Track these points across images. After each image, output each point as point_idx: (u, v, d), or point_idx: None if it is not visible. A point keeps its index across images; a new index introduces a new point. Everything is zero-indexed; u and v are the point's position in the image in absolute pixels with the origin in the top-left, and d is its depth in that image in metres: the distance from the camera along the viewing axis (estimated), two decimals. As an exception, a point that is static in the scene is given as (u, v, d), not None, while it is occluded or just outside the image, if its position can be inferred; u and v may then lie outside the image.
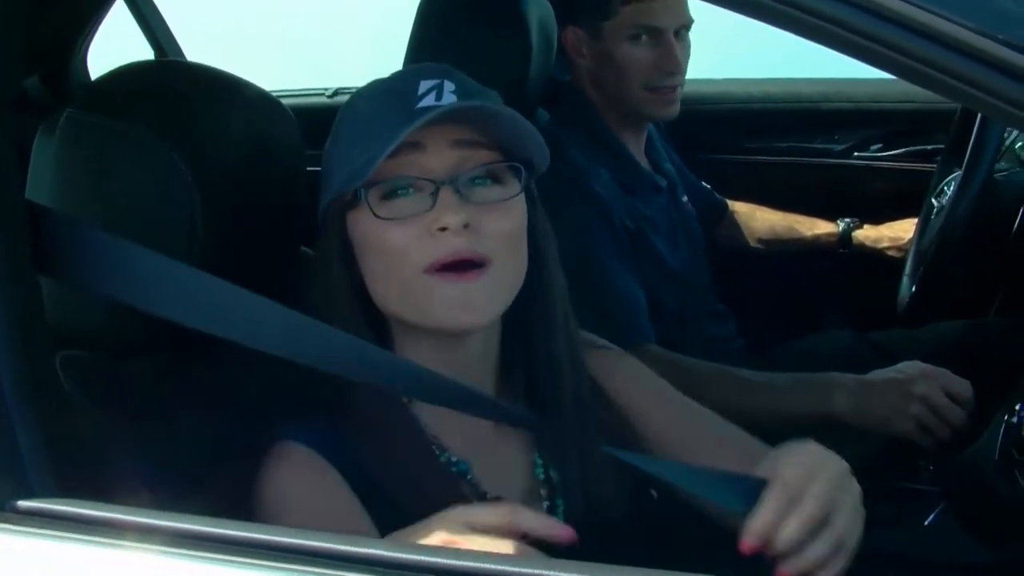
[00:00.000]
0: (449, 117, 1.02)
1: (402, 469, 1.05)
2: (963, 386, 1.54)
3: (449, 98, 1.04)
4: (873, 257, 2.15)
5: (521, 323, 1.12)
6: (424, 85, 1.04)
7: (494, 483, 1.09)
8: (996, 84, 0.84)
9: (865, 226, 2.17)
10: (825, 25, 0.85)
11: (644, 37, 1.82)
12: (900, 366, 1.58)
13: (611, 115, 1.89)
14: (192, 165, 1.06)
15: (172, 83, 1.15)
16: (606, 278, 1.73)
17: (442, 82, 1.05)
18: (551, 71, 2.02)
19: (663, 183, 1.95)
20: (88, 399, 1.06)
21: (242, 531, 0.85)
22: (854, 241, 2.16)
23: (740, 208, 2.25)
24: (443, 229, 1.01)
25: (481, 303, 1.03)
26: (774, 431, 1.60)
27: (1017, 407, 1.34)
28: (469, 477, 1.09)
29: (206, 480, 1.06)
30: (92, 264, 0.98)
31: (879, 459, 1.64)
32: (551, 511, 1.12)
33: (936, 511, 1.52)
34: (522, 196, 1.08)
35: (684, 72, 1.87)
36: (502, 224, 1.05)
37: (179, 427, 1.10)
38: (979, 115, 1.65)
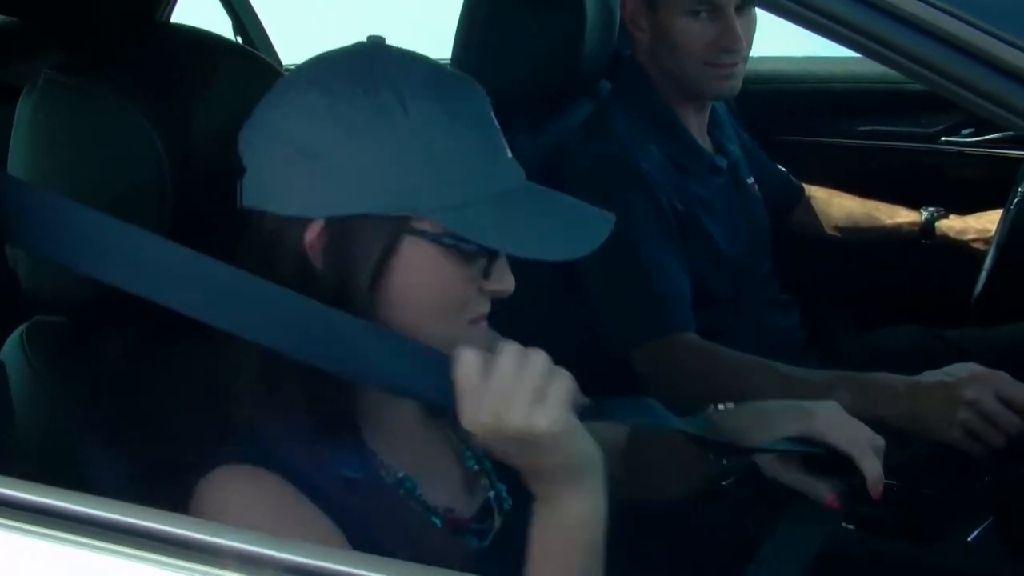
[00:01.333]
0: None
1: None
2: (1020, 391, 1.42)
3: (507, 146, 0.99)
4: (957, 250, 2.01)
5: None
6: (493, 116, 0.99)
7: (439, 488, 1.05)
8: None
9: (951, 216, 2.03)
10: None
11: (703, 13, 1.72)
12: (950, 368, 1.47)
13: (670, 90, 1.81)
14: (163, 130, 1.03)
15: (152, 46, 1.12)
16: (646, 261, 1.66)
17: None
18: (614, 44, 1.96)
19: (723, 164, 1.86)
20: (57, 369, 1.04)
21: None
22: (937, 232, 2.03)
23: (817, 193, 2.14)
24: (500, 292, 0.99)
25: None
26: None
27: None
28: (418, 493, 1.03)
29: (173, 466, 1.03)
30: (51, 231, 0.94)
31: (927, 468, 1.53)
32: (497, 499, 1.08)
33: (981, 527, 1.41)
34: None
35: (747, 48, 1.76)
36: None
37: (149, 408, 1.07)
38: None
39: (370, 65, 0.95)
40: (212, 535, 0.77)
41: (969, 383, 1.43)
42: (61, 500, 0.80)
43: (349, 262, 0.94)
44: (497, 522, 1.07)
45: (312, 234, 0.94)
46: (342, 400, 0.97)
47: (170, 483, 1.01)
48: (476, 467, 1.09)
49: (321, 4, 4.52)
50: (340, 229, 0.94)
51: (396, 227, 0.94)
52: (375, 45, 0.99)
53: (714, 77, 1.76)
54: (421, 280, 0.95)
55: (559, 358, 1.52)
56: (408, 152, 0.93)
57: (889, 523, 1.47)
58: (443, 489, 1.05)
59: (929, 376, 1.47)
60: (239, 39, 2.56)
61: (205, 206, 1.06)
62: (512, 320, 1.24)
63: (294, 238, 0.94)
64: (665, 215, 1.69)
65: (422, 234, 0.94)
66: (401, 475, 1.02)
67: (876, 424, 1.46)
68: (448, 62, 1.88)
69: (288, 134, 0.94)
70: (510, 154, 0.99)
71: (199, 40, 1.14)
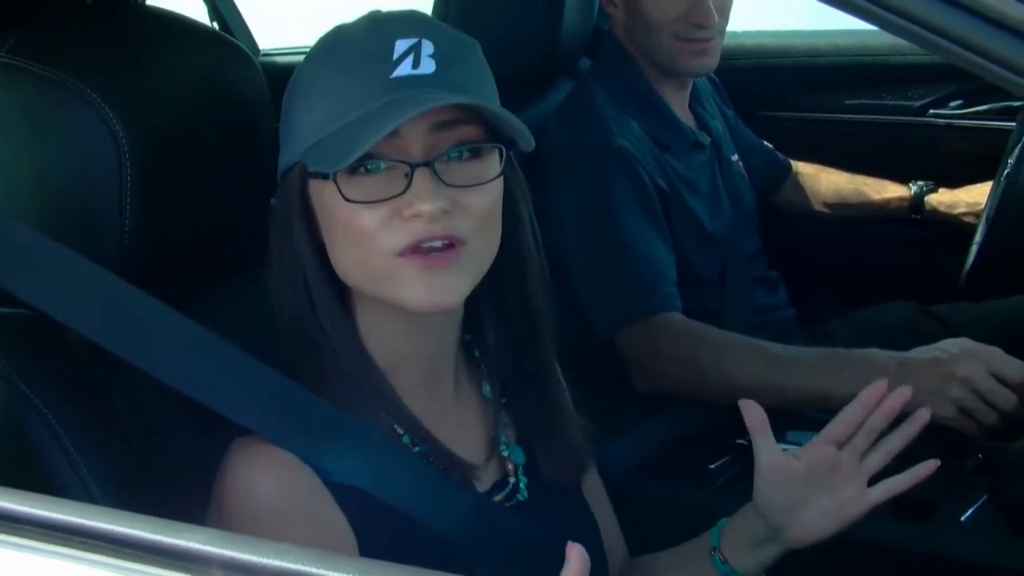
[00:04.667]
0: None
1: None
2: (1014, 367, 1.39)
3: (428, 64, 0.94)
4: (947, 224, 1.98)
5: (497, 292, 1.04)
6: (400, 46, 0.94)
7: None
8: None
9: (940, 190, 2.00)
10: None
11: None
12: (943, 343, 1.44)
13: (647, 67, 1.78)
14: (122, 114, 0.98)
15: (111, 27, 1.08)
16: (629, 239, 1.62)
17: (419, 42, 0.94)
18: (594, 22, 1.92)
19: (706, 140, 1.82)
20: (17, 360, 1.00)
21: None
22: (927, 206, 2.00)
23: (804, 169, 2.11)
24: (417, 215, 0.92)
25: (451, 286, 0.95)
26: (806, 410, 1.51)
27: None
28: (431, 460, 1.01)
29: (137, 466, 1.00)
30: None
31: (919, 447, 1.49)
32: (514, 491, 1.06)
33: (975, 506, 1.38)
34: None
35: (723, 23, 1.73)
36: (478, 202, 0.95)
37: (110, 407, 1.03)
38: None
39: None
40: (195, 542, 0.73)
41: (961, 359, 1.40)
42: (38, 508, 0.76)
43: (291, 216, 0.98)
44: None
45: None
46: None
47: (139, 477, 0.99)
48: (506, 453, 1.07)
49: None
50: (283, 184, 0.99)
51: (299, 175, 0.97)
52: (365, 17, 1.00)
53: (687, 53, 1.72)
54: (326, 219, 0.97)
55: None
56: (297, 107, 0.98)
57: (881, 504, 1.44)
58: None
59: (920, 352, 1.44)
60: (215, 25, 2.53)
61: (169, 188, 1.03)
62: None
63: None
64: (647, 194, 1.66)
65: (312, 175, 0.96)
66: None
67: None
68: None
69: None
70: (403, 72, 0.94)
71: (164, 21, 1.10)
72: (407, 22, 0.97)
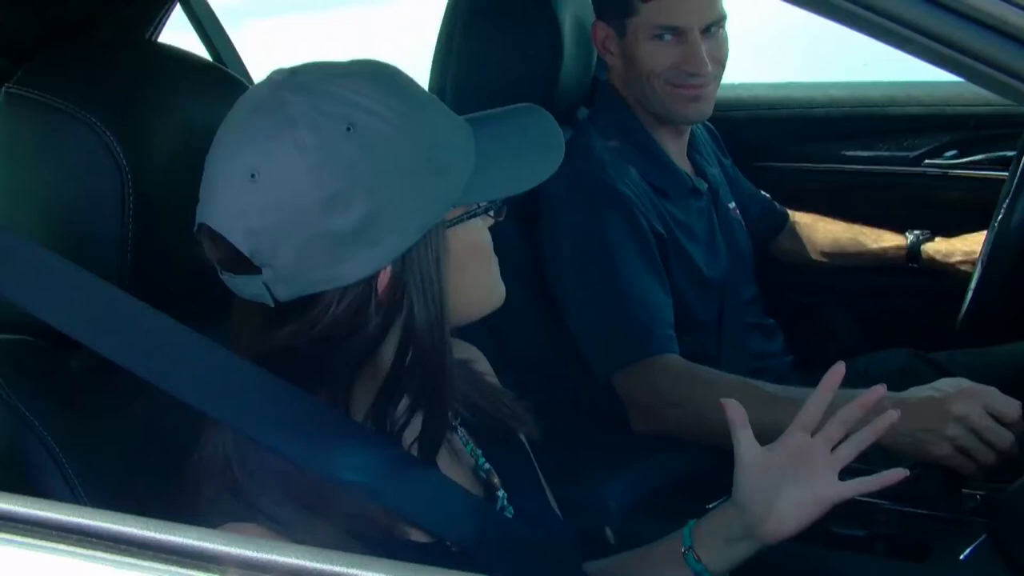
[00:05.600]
0: None
1: None
2: (1010, 406, 1.39)
3: None
4: (944, 273, 1.99)
5: None
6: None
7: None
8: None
9: (937, 239, 2.02)
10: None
11: (668, 36, 1.71)
12: (939, 383, 1.44)
13: (644, 114, 1.80)
14: (125, 143, 1.01)
15: (116, 60, 1.10)
16: (626, 282, 1.64)
17: None
18: (592, 72, 1.95)
19: (703, 187, 1.84)
20: (19, 386, 1.01)
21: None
22: (924, 255, 2.01)
23: (801, 219, 2.12)
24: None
25: None
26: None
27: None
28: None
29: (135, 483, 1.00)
30: (7, 272, 0.93)
31: (917, 486, 1.49)
32: (502, 506, 1.07)
33: (974, 544, 1.37)
34: None
35: (718, 70, 1.75)
36: None
37: (118, 424, 1.04)
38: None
39: (305, 102, 0.89)
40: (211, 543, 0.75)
41: (958, 398, 1.40)
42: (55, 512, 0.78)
43: (425, 286, 0.92)
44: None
45: (383, 283, 0.91)
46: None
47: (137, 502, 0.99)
48: (486, 466, 1.08)
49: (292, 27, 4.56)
50: (406, 263, 0.91)
51: (442, 227, 0.93)
52: (291, 78, 0.92)
53: (679, 99, 1.74)
54: (471, 255, 0.98)
55: (546, 384, 1.50)
56: (410, 163, 0.91)
57: (879, 542, 1.44)
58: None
59: (917, 391, 1.44)
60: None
61: (169, 218, 1.04)
62: (501, 347, 1.23)
63: (359, 298, 0.90)
64: (645, 237, 1.67)
65: (459, 220, 0.96)
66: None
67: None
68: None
69: (288, 212, 0.88)
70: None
71: (165, 55, 1.13)
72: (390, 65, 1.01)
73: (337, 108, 0.88)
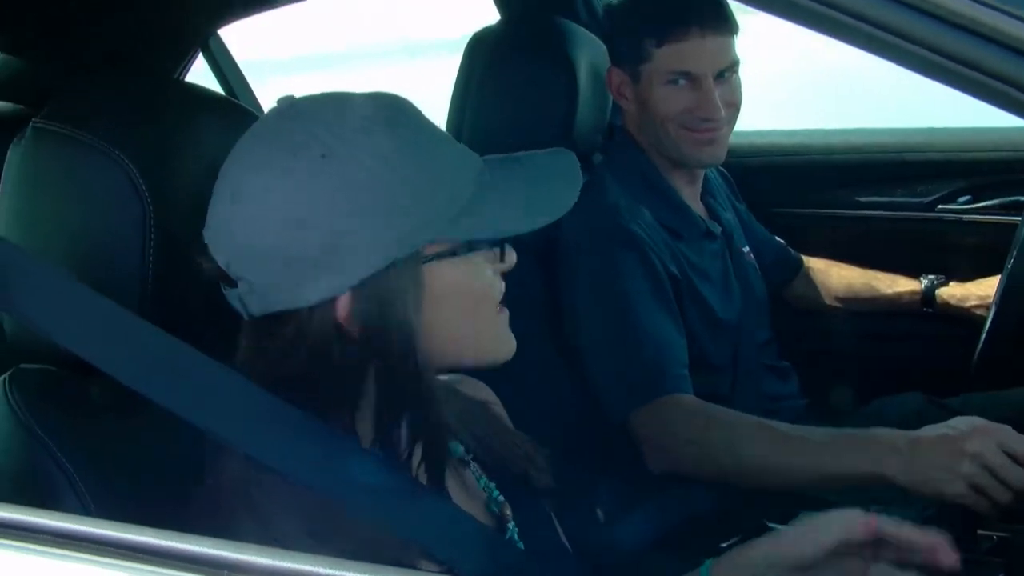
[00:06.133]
0: None
1: None
2: (1013, 437, 1.39)
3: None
4: (959, 318, 2.00)
5: None
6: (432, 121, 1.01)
7: None
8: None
9: (951, 283, 2.03)
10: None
11: (681, 81, 1.74)
12: (953, 421, 1.43)
13: (658, 158, 1.82)
14: (148, 178, 1.03)
15: (137, 95, 1.13)
16: (640, 323, 1.65)
17: None
18: (608, 118, 1.98)
19: (716, 230, 1.86)
20: (39, 414, 1.03)
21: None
22: (939, 300, 2.02)
23: (816, 265, 2.14)
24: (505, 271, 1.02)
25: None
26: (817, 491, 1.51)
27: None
28: None
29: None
30: (33, 299, 0.95)
31: (934, 526, 1.48)
32: (512, 537, 1.08)
33: (991, 585, 1.37)
34: None
35: (731, 114, 1.77)
36: None
37: (137, 451, 1.06)
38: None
39: (295, 127, 0.93)
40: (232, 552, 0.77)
41: (972, 436, 1.39)
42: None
43: (387, 317, 0.92)
44: None
45: (343, 310, 0.92)
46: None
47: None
48: (501, 498, 1.08)
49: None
50: (366, 292, 0.92)
51: (416, 262, 0.93)
52: (296, 104, 0.97)
53: (693, 143, 1.76)
54: (458, 294, 0.96)
55: (558, 427, 1.50)
56: (387, 192, 0.92)
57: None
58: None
59: (931, 430, 1.44)
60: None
61: (188, 249, 1.06)
62: (512, 390, 1.24)
63: (324, 321, 0.92)
64: (659, 278, 1.69)
65: (439, 256, 0.95)
66: None
67: (878, 482, 1.44)
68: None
69: (264, 232, 0.92)
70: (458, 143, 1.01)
71: (182, 89, 1.16)
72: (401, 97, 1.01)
73: (321, 135, 0.91)
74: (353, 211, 0.91)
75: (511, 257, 1.01)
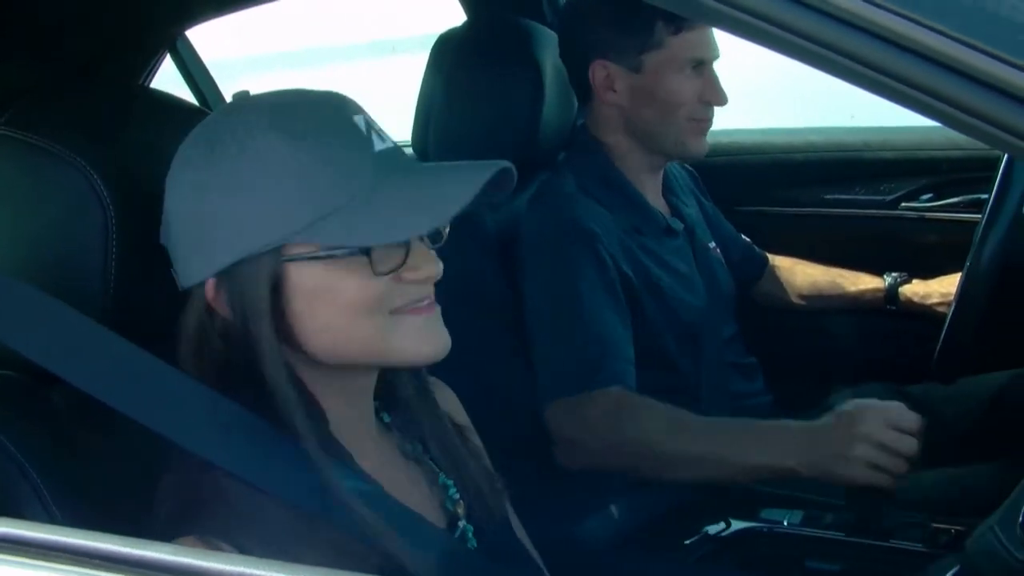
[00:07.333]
0: None
1: None
2: (911, 418, 1.44)
3: (384, 137, 1.01)
4: (922, 314, 2.02)
5: None
6: (358, 120, 1.00)
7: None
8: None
9: (914, 281, 2.05)
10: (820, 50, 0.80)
11: (690, 69, 1.76)
12: (839, 407, 1.49)
13: (629, 155, 1.83)
14: (111, 186, 1.04)
15: (100, 102, 1.14)
16: (584, 317, 1.66)
17: (363, 116, 1.01)
18: (573, 118, 1.99)
19: (678, 226, 1.87)
20: (12, 423, 1.04)
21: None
22: (902, 297, 2.05)
23: (781, 263, 2.16)
24: (421, 279, 1.00)
25: (443, 333, 1.02)
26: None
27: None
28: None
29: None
30: None
31: (891, 521, 1.52)
32: (463, 536, 1.10)
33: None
34: None
35: None
36: (439, 264, 1.03)
37: (97, 456, 1.07)
38: (1005, 155, 1.55)
39: (216, 121, 1.01)
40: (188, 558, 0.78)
41: (859, 418, 1.44)
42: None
43: (247, 308, 0.97)
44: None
45: (210, 293, 0.98)
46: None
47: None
48: (457, 497, 1.10)
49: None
50: (229, 281, 0.98)
51: (274, 260, 0.97)
52: (235, 100, 1.03)
53: (695, 133, 1.80)
54: (321, 298, 0.98)
55: (521, 424, 1.52)
56: (257, 189, 0.96)
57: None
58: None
59: (820, 420, 1.49)
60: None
61: (151, 251, 1.07)
62: (474, 385, 1.25)
63: (199, 303, 1.00)
64: (608, 274, 1.69)
65: (298, 257, 0.97)
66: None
67: (787, 474, 1.49)
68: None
69: (174, 214, 1.00)
70: (381, 146, 0.99)
71: (148, 97, 1.16)
72: (340, 98, 1.02)
73: (220, 131, 0.99)
74: (224, 203, 0.97)
75: (419, 268, 0.99)
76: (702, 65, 1.77)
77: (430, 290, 1.01)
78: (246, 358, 0.98)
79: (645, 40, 1.76)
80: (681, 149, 1.83)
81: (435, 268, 1.00)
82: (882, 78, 0.79)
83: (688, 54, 1.76)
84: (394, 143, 1.01)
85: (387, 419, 1.12)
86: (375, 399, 1.09)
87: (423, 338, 1.00)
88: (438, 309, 1.02)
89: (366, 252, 0.96)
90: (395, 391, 1.11)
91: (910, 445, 1.41)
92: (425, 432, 1.11)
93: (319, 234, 0.96)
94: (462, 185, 0.96)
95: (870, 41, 0.77)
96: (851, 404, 1.47)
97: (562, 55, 1.86)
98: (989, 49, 0.76)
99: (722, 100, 1.78)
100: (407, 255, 0.98)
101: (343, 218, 0.95)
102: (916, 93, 0.79)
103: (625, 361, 1.64)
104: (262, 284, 0.97)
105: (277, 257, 0.96)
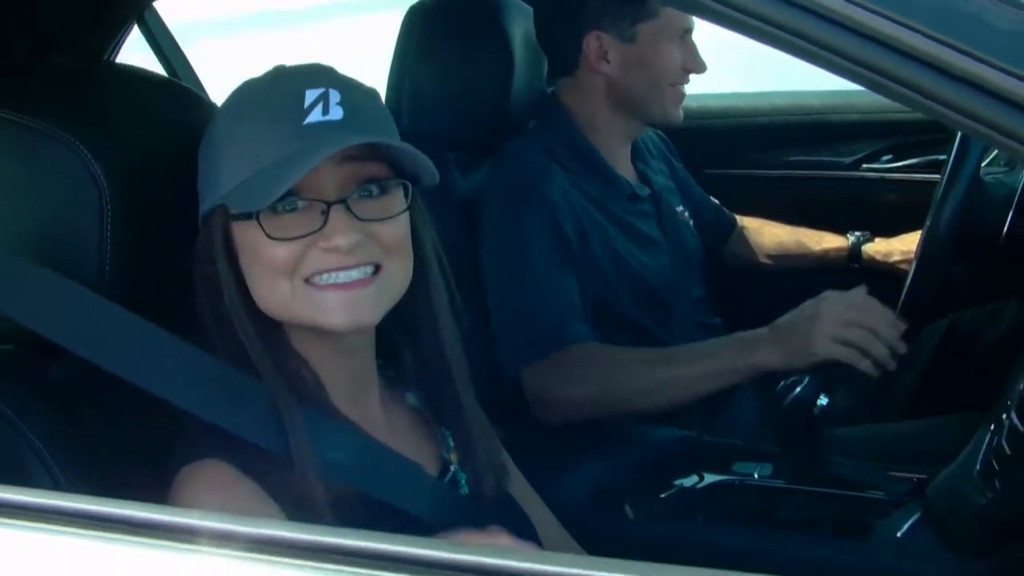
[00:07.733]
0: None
1: None
2: (870, 301, 1.57)
3: (336, 111, 1.05)
4: (884, 272, 2.08)
5: (408, 316, 1.15)
6: (309, 95, 1.05)
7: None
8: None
9: (876, 240, 2.11)
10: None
11: (678, 39, 1.83)
12: (804, 304, 1.60)
13: (605, 124, 1.88)
14: (103, 162, 1.07)
15: (81, 81, 1.17)
16: (540, 282, 1.71)
17: (327, 91, 1.05)
18: (542, 86, 2.02)
19: (644, 192, 1.92)
20: (14, 393, 1.07)
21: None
22: (864, 255, 2.11)
23: (748, 223, 2.21)
24: (334, 248, 1.04)
25: (369, 306, 1.06)
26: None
27: (1003, 417, 1.29)
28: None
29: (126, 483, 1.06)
30: None
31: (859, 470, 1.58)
32: (455, 481, 1.17)
33: (911, 522, 1.46)
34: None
35: None
36: (389, 232, 1.07)
37: (99, 423, 1.10)
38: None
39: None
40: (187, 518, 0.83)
41: (821, 301, 1.57)
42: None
43: (209, 251, 1.07)
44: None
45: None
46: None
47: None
48: (452, 444, 1.17)
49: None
50: (205, 227, 1.08)
51: (223, 216, 1.06)
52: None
53: (675, 100, 1.87)
54: (247, 255, 1.06)
55: (486, 389, 1.56)
56: (208, 159, 1.09)
57: (825, 524, 1.52)
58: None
59: (786, 316, 1.61)
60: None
61: (144, 225, 1.11)
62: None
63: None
64: (565, 239, 1.73)
65: (233, 217, 1.05)
66: None
67: (758, 372, 1.60)
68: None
69: None
70: (315, 119, 1.04)
71: (131, 75, 1.19)
72: (314, 74, 1.07)
73: (231, 98, 1.11)
74: (201, 165, 1.10)
75: (332, 236, 1.03)
76: (687, 34, 1.82)
77: (349, 261, 1.04)
78: (214, 301, 1.06)
79: (640, 11, 1.81)
80: (663, 116, 1.88)
81: (344, 240, 1.02)
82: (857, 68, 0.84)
83: (679, 24, 1.81)
84: (343, 115, 1.04)
85: (391, 374, 1.19)
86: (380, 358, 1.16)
87: (330, 309, 1.05)
88: (372, 287, 1.05)
89: (254, 216, 1.02)
90: (396, 351, 1.17)
91: (876, 319, 1.51)
92: (427, 388, 1.18)
93: (231, 198, 1.04)
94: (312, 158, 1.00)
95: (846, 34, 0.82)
96: (813, 299, 1.58)
97: (546, 27, 1.89)
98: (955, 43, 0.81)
99: (702, 68, 1.85)
100: (325, 223, 1.02)
101: (251, 184, 1.03)
102: (889, 83, 0.84)
103: (580, 322, 1.69)
104: (216, 234, 1.07)
105: (225, 214, 1.06)
